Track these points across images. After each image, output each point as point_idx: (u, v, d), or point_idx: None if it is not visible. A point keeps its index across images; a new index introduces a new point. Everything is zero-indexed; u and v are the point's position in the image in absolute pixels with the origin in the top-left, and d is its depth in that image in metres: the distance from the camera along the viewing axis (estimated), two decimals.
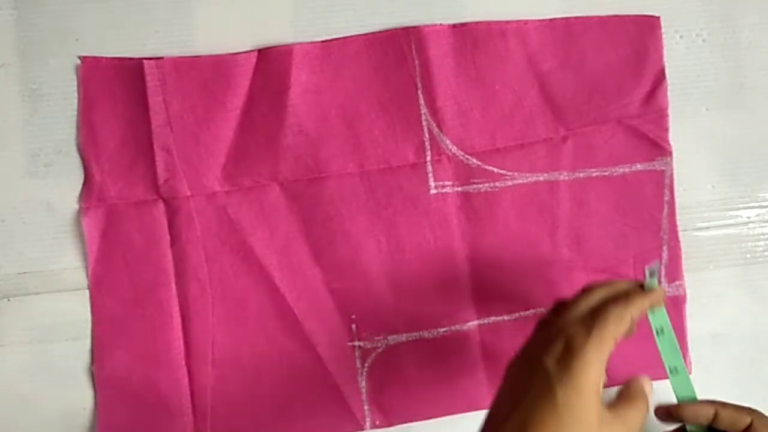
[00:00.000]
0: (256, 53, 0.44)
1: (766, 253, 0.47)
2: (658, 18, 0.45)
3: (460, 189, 0.45)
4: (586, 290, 0.35)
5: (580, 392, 0.29)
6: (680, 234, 0.46)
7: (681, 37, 0.46)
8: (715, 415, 0.37)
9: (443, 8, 0.45)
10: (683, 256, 0.46)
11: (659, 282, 0.45)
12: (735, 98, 0.46)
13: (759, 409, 0.46)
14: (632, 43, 0.45)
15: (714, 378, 0.46)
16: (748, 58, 0.46)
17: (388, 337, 0.45)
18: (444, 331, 0.45)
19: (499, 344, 0.45)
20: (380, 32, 0.45)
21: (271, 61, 0.44)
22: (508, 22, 0.45)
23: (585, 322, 0.32)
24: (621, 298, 0.34)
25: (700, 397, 0.38)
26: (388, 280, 0.45)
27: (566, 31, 0.45)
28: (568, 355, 0.30)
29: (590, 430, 0.29)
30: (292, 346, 0.45)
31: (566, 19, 0.45)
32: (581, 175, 0.45)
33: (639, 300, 0.34)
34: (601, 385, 0.30)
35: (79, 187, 0.44)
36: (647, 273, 0.37)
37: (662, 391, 0.46)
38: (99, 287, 0.44)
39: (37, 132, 0.45)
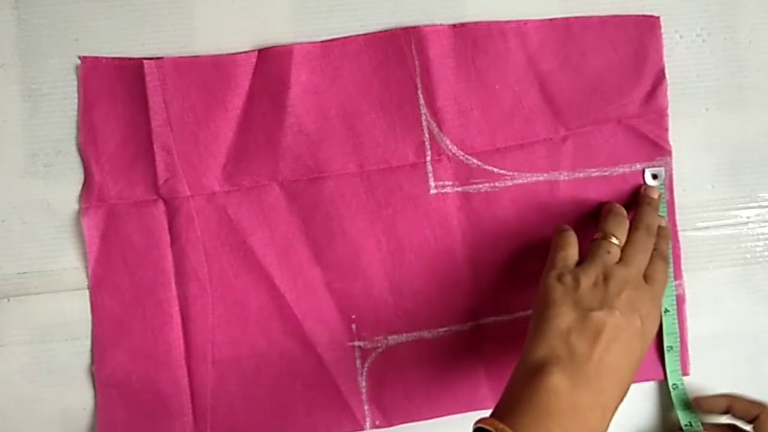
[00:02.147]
0: (256, 53, 0.44)
1: (766, 253, 0.46)
2: (658, 18, 0.45)
3: (460, 189, 0.45)
4: (646, 231, 0.42)
5: (652, 333, 0.39)
6: (680, 234, 0.46)
7: (681, 37, 0.46)
8: (730, 407, 0.44)
9: (443, 8, 0.45)
10: (683, 256, 0.46)
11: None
12: (735, 98, 0.46)
13: None
14: (632, 43, 0.45)
15: (714, 378, 0.46)
16: (748, 58, 0.46)
17: (388, 337, 0.45)
18: (444, 331, 0.45)
19: (499, 344, 0.45)
20: (380, 32, 0.44)
21: (271, 61, 0.44)
22: (508, 22, 0.45)
23: (659, 291, 0.40)
24: (660, 249, 0.42)
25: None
26: (388, 280, 0.45)
27: (566, 31, 0.45)
28: (656, 318, 0.39)
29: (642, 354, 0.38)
30: (292, 346, 0.45)
31: (566, 19, 0.45)
32: (581, 175, 0.45)
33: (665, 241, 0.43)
34: None
35: (79, 187, 0.44)
36: (649, 175, 0.45)
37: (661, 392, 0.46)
38: (99, 287, 0.44)
39: (37, 132, 0.44)
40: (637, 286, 0.39)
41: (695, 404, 0.45)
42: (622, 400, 0.36)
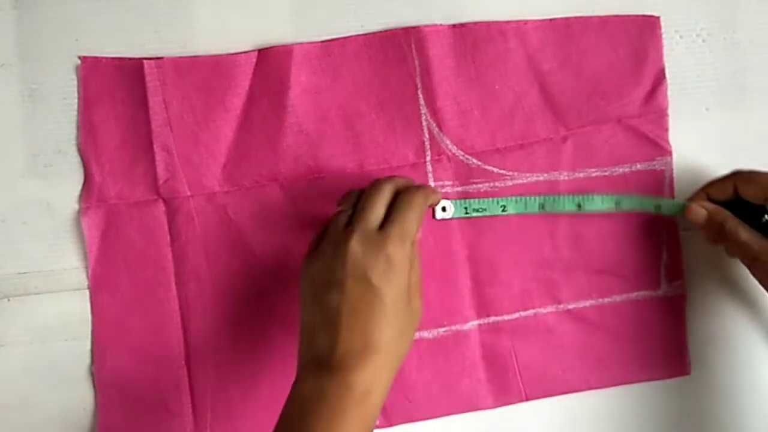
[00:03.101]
0: (256, 53, 0.44)
1: None
2: (658, 18, 0.45)
3: (460, 189, 0.45)
4: (376, 187, 0.38)
5: (401, 292, 0.35)
6: (680, 234, 0.46)
7: (681, 37, 0.46)
8: (737, 188, 0.41)
9: (443, 8, 0.45)
10: (683, 256, 0.46)
11: None
12: (735, 98, 0.46)
13: (756, 407, 0.46)
14: (632, 43, 0.45)
15: (714, 378, 0.46)
16: (748, 58, 0.46)
17: None
18: (444, 331, 0.45)
19: (499, 344, 0.45)
20: (380, 32, 0.44)
21: (271, 61, 0.44)
22: (508, 22, 0.45)
23: (397, 234, 0.36)
24: (411, 195, 0.38)
25: None
26: None
27: (566, 31, 0.45)
28: (391, 272, 0.35)
29: (400, 316, 0.35)
30: (292, 346, 0.45)
31: (566, 19, 0.45)
32: (581, 175, 0.45)
33: (424, 192, 0.38)
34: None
35: (79, 187, 0.45)
36: (438, 210, 0.44)
37: (673, 393, 0.46)
38: (99, 287, 0.44)
39: (37, 132, 0.45)
40: (363, 242, 0.35)
41: (702, 194, 0.43)
42: (389, 367, 0.35)
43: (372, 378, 0.34)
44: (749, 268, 0.41)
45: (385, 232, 0.36)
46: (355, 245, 0.35)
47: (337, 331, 0.34)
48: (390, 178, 0.39)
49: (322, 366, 0.34)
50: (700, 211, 0.42)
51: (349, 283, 0.35)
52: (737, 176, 0.42)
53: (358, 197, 0.38)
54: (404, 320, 0.36)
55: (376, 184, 0.38)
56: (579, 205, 0.41)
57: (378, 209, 0.37)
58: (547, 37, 0.45)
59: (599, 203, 0.42)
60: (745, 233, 0.40)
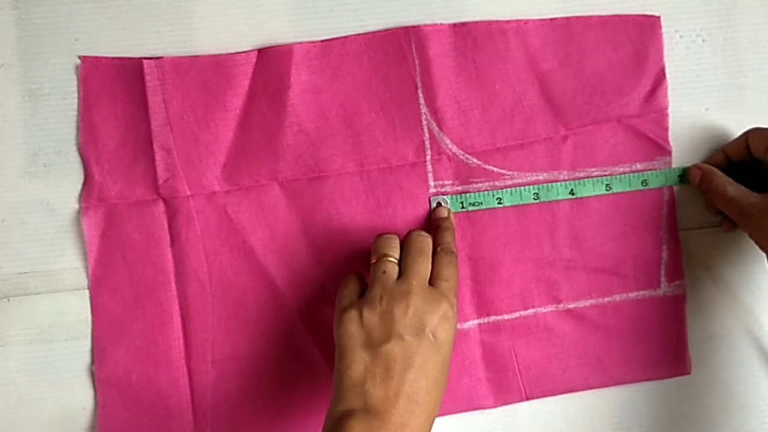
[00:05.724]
0: (255, 53, 0.44)
1: None
2: (658, 18, 0.45)
3: (460, 188, 0.45)
4: (420, 242, 0.40)
5: (451, 349, 0.38)
6: (680, 233, 0.46)
7: (681, 37, 0.46)
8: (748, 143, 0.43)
9: (443, 8, 0.45)
10: (683, 256, 0.46)
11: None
12: (735, 98, 0.46)
13: (755, 406, 0.46)
14: (632, 43, 0.45)
15: (714, 378, 0.46)
16: (748, 58, 0.46)
17: None
18: None
19: (499, 343, 0.45)
20: (380, 32, 0.45)
21: (271, 61, 0.44)
22: (508, 21, 0.45)
23: (452, 291, 0.38)
24: (451, 253, 0.40)
25: None
26: None
27: (566, 30, 0.45)
28: (446, 329, 0.37)
29: (446, 373, 0.38)
30: (291, 346, 0.45)
31: (566, 18, 0.45)
32: (581, 174, 0.45)
33: (450, 238, 0.42)
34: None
35: (79, 187, 0.45)
36: (434, 204, 0.44)
37: (672, 393, 0.46)
38: (99, 287, 0.44)
39: (37, 132, 0.45)
40: (422, 295, 0.37)
41: (721, 153, 0.44)
42: (432, 418, 0.36)
43: (419, 429, 0.35)
44: (740, 225, 0.42)
45: (441, 289, 0.38)
46: (417, 300, 0.37)
47: (394, 383, 0.35)
48: (425, 233, 0.41)
49: (375, 414, 0.35)
50: (696, 171, 0.44)
51: (409, 337, 0.36)
52: (750, 130, 0.43)
53: (384, 242, 0.40)
54: (446, 377, 0.37)
55: (418, 239, 0.40)
56: (572, 192, 0.43)
57: (427, 265, 0.39)
58: (548, 36, 0.45)
59: (591, 188, 0.44)
60: (731, 189, 0.42)
